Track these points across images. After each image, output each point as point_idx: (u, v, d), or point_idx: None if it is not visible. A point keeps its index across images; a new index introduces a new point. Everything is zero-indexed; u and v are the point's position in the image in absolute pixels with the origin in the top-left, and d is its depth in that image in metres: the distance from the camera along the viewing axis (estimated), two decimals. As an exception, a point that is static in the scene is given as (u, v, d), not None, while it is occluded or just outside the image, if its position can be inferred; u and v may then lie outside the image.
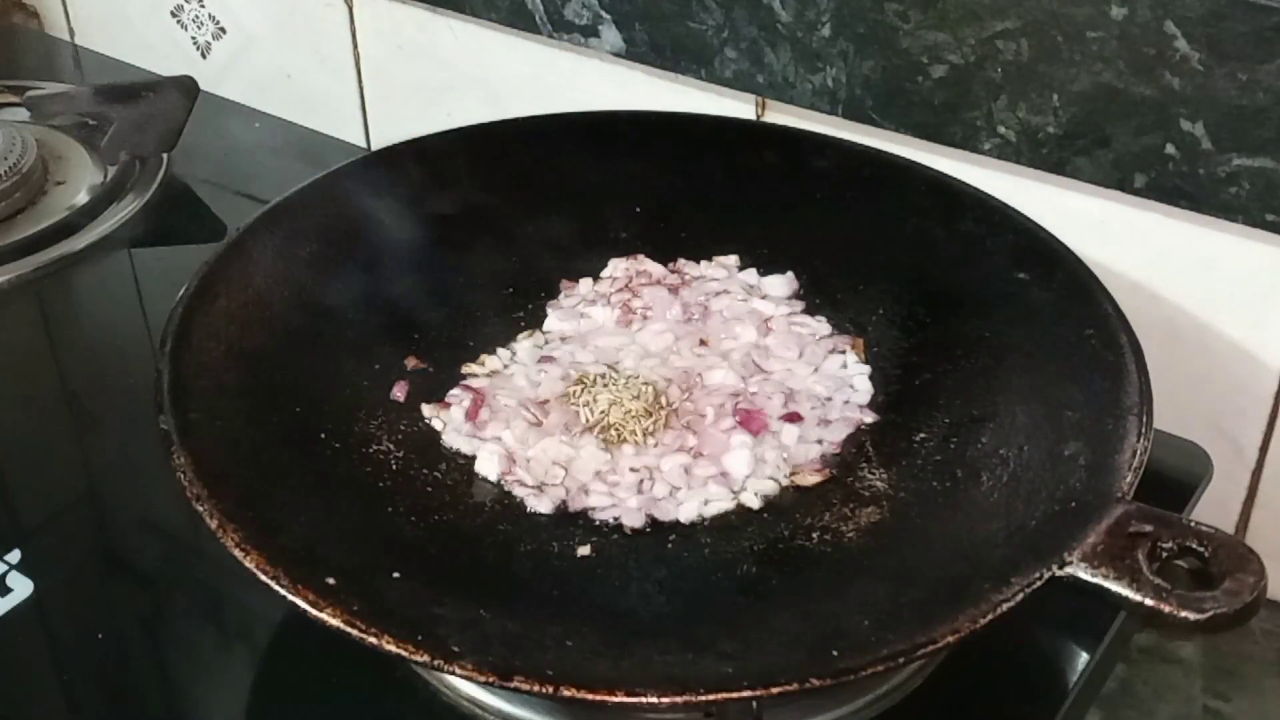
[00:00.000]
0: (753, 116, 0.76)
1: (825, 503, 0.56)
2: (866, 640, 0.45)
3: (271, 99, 0.96)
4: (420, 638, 0.45)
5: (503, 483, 0.58)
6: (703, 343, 0.64)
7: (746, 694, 0.43)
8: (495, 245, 0.69)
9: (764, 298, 0.67)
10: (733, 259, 0.69)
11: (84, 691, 0.56)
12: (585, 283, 0.68)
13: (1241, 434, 0.67)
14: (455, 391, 0.62)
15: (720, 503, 0.56)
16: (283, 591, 0.46)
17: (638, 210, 0.71)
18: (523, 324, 0.67)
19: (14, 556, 0.60)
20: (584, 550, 0.54)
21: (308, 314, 0.63)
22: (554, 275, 0.69)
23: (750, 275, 0.68)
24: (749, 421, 0.60)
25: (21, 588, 0.58)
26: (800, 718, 0.52)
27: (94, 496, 0.67)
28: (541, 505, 0.56)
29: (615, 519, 0.56)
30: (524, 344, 0.65)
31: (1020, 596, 0.45)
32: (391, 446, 0.59)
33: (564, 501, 0.57)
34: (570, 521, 0.56)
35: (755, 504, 0.57)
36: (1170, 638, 0.65)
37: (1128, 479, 0.49)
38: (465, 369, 0.64)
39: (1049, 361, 0.58)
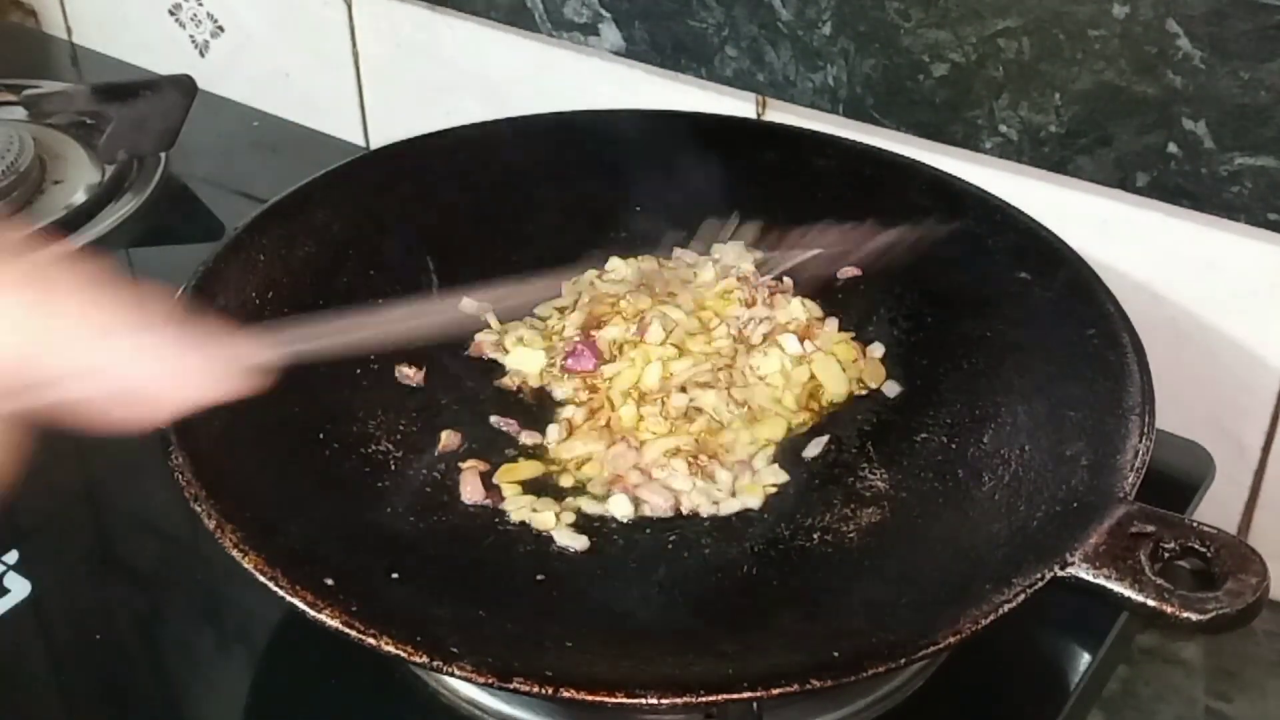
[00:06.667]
0: (753, 115, 0.76)
1: (826, 503, 0.56)
2: (867, 641, 0.45)
3: (270, 98, 0.96)
4: (419, 638, 0.45)
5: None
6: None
7: (747, 695, 0.43)
8: (494, 245, 0.69)
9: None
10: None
11: (82, 692, 0.55)
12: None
13: (1244, 434, 0.67)
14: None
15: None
16: (281, 592, 0.46)
17: (638, 210, 0.71)
18: (522, 324, 0.67)
19: (11, 557, 0.59)
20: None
21: (306, 313, 0.62)
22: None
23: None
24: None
25: (19, 588, 0.58)
26: (801, 719, 0.52)
27: (92, 497, 0.66)
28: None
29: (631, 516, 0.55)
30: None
31: (1022, 597, 0.45)
32: (391, 446, 0.59)
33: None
34: (569, 521, 0.56)
35: (756, 504, 0.56)
36: (1172, 639, 0.64)
37: (1130, 479, 0.49)
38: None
39: (1051, 361, 0.58)
